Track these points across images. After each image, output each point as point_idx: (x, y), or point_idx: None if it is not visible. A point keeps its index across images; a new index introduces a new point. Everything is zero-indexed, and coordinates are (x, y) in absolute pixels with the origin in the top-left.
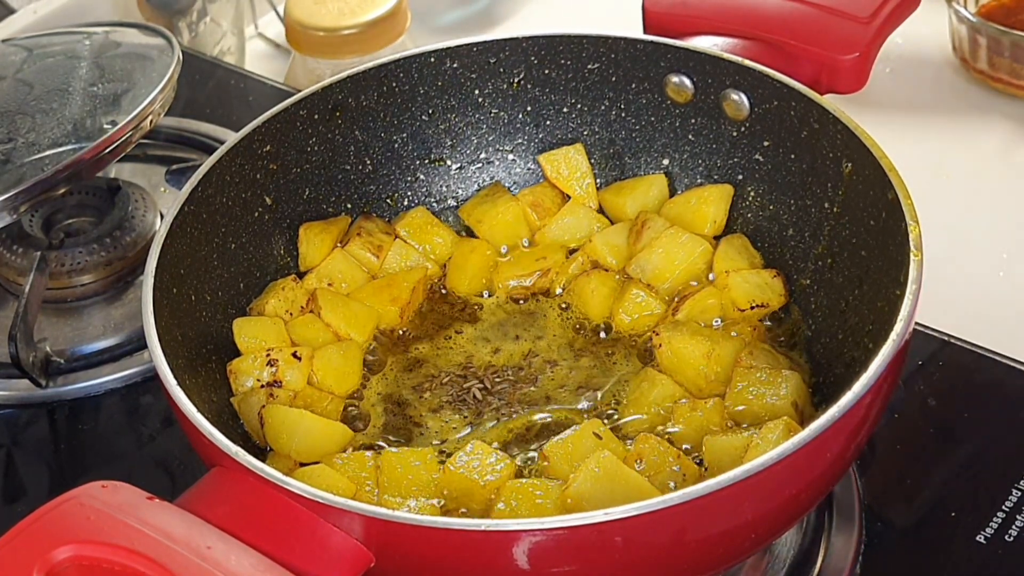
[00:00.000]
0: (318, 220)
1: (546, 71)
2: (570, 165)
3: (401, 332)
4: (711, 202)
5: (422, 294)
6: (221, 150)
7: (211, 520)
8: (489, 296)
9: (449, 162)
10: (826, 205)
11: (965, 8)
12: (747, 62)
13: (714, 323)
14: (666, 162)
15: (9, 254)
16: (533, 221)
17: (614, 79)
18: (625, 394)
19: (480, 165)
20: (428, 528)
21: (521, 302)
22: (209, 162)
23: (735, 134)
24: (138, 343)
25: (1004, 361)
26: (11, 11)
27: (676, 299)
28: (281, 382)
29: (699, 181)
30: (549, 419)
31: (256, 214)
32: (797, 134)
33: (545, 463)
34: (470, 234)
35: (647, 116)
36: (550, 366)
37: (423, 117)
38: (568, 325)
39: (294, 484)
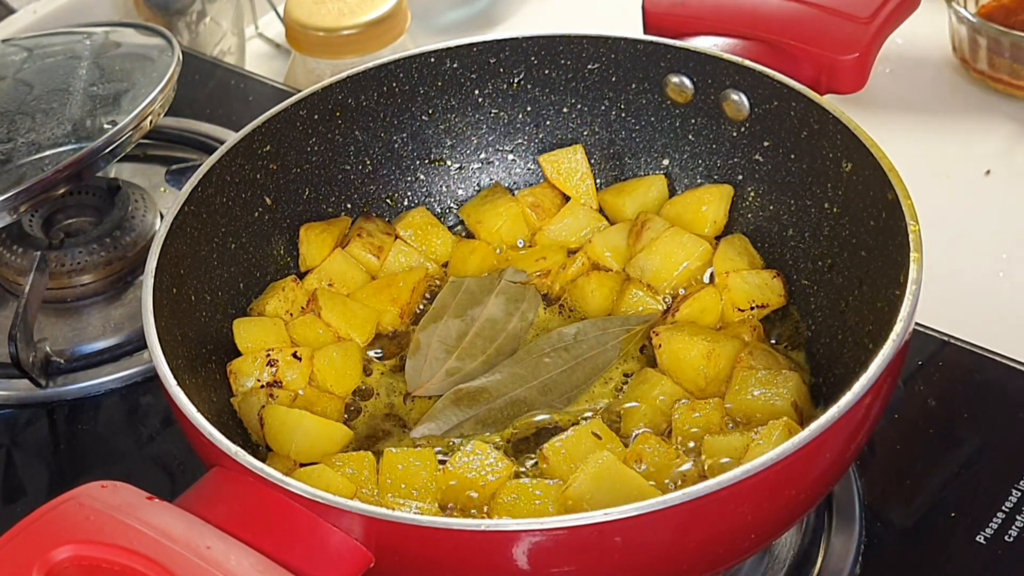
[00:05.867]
0: (318, 220)
1: (546, 71)
2: (570, 166)
3: (401, 332)
4: (711, 202)
5: (422, 294)
6: (221, 150)
7: (211, 520)
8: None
9: (449, 162)
10: (826, 205)
11: (965, 8)
12: (747, 62)
13: (714, 324)
14: (666, 162)
15: (9, 254)
16: (533, 222)
17: (614, 79)
18: (625, 394)
19: (480, 165)
20: (428, 528)
21: None
22: (209, 162)
23: (735, 134)
24: (138, 343)
25: (1004, 361)
26: (11, 11)
27: (676, 299)
28: (281, 382)
29: (699, 181)
30: (548, 419)
31: (256, 214)
32: (797, 134)
33: (545, 463)
34: (470, 235)
35: (647, 116)
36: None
37: (423, 117)
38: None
39: (294, 484)
